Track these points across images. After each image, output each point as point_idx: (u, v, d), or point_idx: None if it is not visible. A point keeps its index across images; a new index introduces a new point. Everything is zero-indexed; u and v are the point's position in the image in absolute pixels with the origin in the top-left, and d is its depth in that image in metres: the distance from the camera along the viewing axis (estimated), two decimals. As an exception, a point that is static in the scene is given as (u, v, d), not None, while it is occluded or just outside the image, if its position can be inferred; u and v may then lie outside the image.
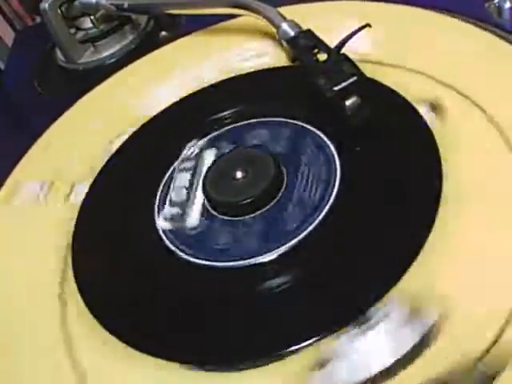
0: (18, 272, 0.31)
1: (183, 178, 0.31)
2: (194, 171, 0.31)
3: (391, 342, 0.22)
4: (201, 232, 0.28)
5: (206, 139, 0.33)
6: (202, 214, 0.29)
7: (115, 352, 0.25)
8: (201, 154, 0.32)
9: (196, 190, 0.30)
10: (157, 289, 0.27)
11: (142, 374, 0.24)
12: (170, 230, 0.29)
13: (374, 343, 0.22)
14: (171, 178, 0.32)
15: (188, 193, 0.30)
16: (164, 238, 0.29)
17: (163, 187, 0.32)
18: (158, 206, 0.31)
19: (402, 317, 0.22)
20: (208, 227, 0.28)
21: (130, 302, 0.27)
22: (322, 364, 0.22)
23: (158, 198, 0.31)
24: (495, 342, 0.21)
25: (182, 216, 0.29)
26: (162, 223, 0.30)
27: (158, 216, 0.30)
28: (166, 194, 0.31)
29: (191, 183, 0.31)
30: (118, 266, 0.29)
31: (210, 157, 0.32)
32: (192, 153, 0.32)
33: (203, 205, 0.30)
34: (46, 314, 0.28)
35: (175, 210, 0.30)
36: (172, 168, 0.32)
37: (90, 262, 0.30)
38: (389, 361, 0.21)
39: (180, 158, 0.33)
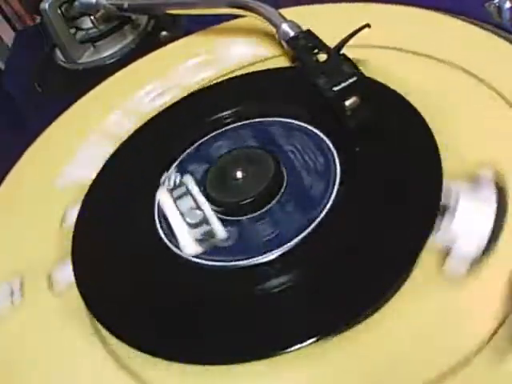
0: (17, 271, 0.31)
1: (186, 202, 0.30)
2: (190, 193, 0.31)
3: (479, 208, 0.24)
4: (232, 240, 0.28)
5: (173, 168, 0.33)
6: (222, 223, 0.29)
7: (114, 352, 0.25)
8: (182, 181, 0.32)
9: (203, 207, 0.30)
10: (157, 289, 0.27)
11: (141, 374, 0.24)
12: (205, 251, 0.28)
13: (468, 216, 0.24)
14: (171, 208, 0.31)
15: (201, 210, 0.30)
16: (163, 236, 0.29)
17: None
18: (158, 207, 0.31)
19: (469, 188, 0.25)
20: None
21: (129, 302, 0.27)
22: (445, 255, 0.23)
23: (157, 200, 0.31)
24: None
25: (211, 232, 0.28)
26: (194, 248, 0.28)
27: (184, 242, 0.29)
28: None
29: (196, 203, 0.30)
30: (118, 266, 0.29)
31: (190, 181, 0.31)
32: (175, 182, 0.32)
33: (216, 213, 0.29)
34: (44, 315, 0.28)
35: (203, 229, 0.29)
36: (157, 202, 0.31)
37: (90, 262, 0.30)
38: (490, 222, 0.23)
39: (164, 191, 0.31)
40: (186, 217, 0.29)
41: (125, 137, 0.36)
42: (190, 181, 0.31)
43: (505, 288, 0.21)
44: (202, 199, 0.30)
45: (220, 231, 0.28)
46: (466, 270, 0.23)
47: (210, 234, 0.28)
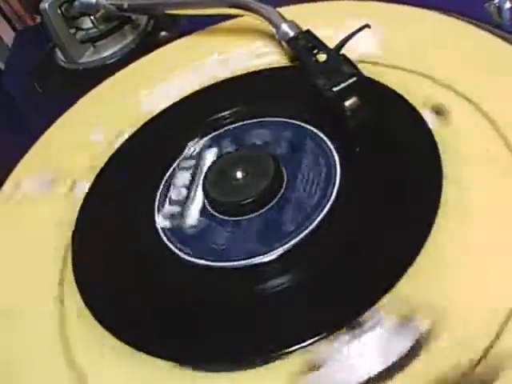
0: (17, 272, 0.31)
1: (183, 177, 0.31)
2: (195, 170, 0.31)
3: (383, 348, 0.22)
4: (200, 231, 0.28)
5: (207, 138, 0.33)
6: (202, 214, 0.29)
7: (114, 352, 0.25)
8: (202, 152, 0.32)
9: (196, 189, 0.30)
10: (157, 289, 0.27)
11: (141, 374, 0.24)
12: (168, 228, 0.29)
13: (366, 348, 0.22)
14: (172, 176, 0.32)
15: (188, 192, 0.30)
16: (163, 236, 0.29)
17: (163, 186, 0.32)
18: (158, 205, 0.31)
19: (394, 323, 0.22)
20: (207, 226, 0.28)
21: (130, 302, 0.27)
22: (314, 367, 0.22)
23: (158, 197, 0.31)
24: (488, 349, 0.20)
25: (182, 214, 0.29)
26: (161, 221, 0.30)
27: (158, 215, 0.30)
28: (167, 193, 0.31)
29: (191, 182, 0.31)
30: (118, 266, 0.29)
31: (210, 156, 0.32)
32: (193, 151, 0.32)
33: (203, 204, 0.30)
34: (44, 315, 0.28)
35: (175, 209, 0.30)
36: (173, 167, 0.32)
37: (90, 262, 0.30)
38: (379, 367, 0.21)
39: (181, 157, 0.33)
40: (171, 190, 0.30)
41: (125, 136, 0.36)
42: (208, 157, 0.32)
43: None
44: (199, 181, 0.30)
45: (190, 217, 0.29)
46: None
47: (180, 216, 0.29)
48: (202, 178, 0.31)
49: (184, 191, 0.30)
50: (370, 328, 0.22)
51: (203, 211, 0.29)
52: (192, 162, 0.32)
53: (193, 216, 0.29)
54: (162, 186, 0.32)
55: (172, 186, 0.31)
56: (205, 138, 0.33)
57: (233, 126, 0.34)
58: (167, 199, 0.31)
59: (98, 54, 0.48)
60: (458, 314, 0.22)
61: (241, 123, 0.34)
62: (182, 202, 0.30)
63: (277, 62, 0.37)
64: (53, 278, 0.30)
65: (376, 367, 0.21)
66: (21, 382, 0.26)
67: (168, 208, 0.30)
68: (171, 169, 0.32)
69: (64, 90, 0.47)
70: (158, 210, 0.30)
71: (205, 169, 0.31)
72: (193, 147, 0.33)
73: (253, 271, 0.26)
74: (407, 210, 0.26)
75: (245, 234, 0.28)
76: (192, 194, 0.30)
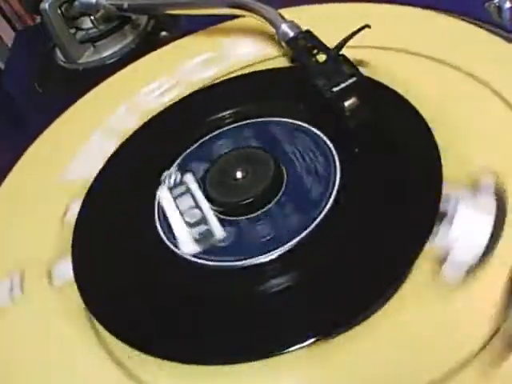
0: (17, 272, 0.31)
1: (186, 201, 0.30)
2: (190, 192, 0.31)
3: (477, 215, 0.24)
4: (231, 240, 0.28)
5: (174, 167, 0.33)
6: (221, 223, 0.29)
7: (114, 352, 0.25)
8: (182, 179, 0.32)
9: (203, 206, 0.30)
10: (157, 289, 0.27)
11: (141, 374, 0.24)
12: (203, 251, 0.28)
13: (465, 224, 0.24)
14: (163, 208, 0.31)
15: (200, 210, 0.30)
16: (163, 236, 0.29)
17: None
18: (158, 205, 0.31)
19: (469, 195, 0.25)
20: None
21: (129, 302, 0.27)
22: (441, 262, 0.23)
23: (157, 197, 0.31)
24: None
25: (209, 232, 0.28)
26: (189, 248, 0.28)
27: (158, 214, 0.30)
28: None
29: (195, 201, 0.30)
30: (118, 266, 0.29)
31: (190, 179, 0.31)
32: (175, 180, 0.32)
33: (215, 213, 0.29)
34: (44, 315, 0.28)
35: (201, 229, 0.29)
36: (157, 200, 0.31)
37: (90, 262, 0.30)
38: (488, 229, 0.23)
39: (164, 190, 0.32)
40: (184, 216, 0.30)
41: (125, 136, 0.36)
42: (190, 179, 0.31)
43: (500, 295, 0.21)
44: (201, 198, 0.30)
45: (218, 231, 0.28)
46: (462, 277, 0.23)
47: (207, 234, 0.28)
48: (201, 194, 0.30)
49: (197, 211, 0.30)
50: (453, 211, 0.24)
51: (221, 220, 0.29)
52: (183, 188, 0.31)
53: (218, 229, 0.28)
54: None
55: (181, 213, 0.30)
56: (173, 167, 0.33)
57: (232, 125, 0.34)
58: (184, 225, 0.29)
59: (98, 54, 0.48)
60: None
61: (240, 123, 0.34)
62: (203, 220, 0.29)
63: (277, 62, 0.37)
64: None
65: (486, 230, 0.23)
66: (19, 382, 0.26)
67: (192, 231, 0.29)
68: (172, 168, 0.32)
69: (64, 90, 0.47)
70: (158, 211, 0.30)
71: (196, 188, 0.31)
72: (170, 178, 0.32)
73: (253, 271, 0.26)
74: (407, 210, 0.26)
75: (245, 233, 0.28)
76: (204, 211, 0.29)
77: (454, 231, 0.24)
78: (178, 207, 0.30)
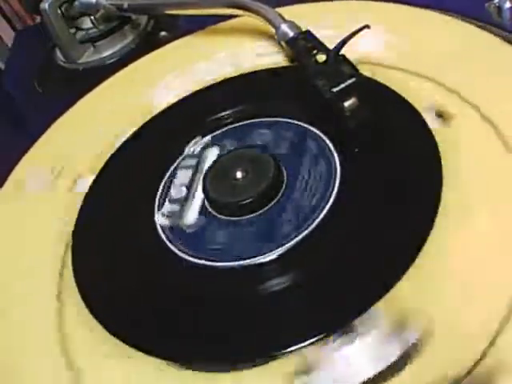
0: (16, 271, 0.31)
1: (184, 176, 0.31)
2: (196, 169, 0.32)
3: (375, 353, 0.22)
4: (198, 230, 0.28)
5: (209, 137, 0.33)
6: (201, 213, 0.29)
7: (114, 352, 0.25)
8: (203, 151, 0.33)
9: (196, 188, 0.30)
10: (156, 289, 0.27)
11: (141, 374, 0.24)
12: (167, 226, 0.29)
13: (359, 353, 0.22)
14: (172, 175, 0.32)
15: (188, 191, 0.30)
16: (163, 236, 0.29)
17: (164, 186, 0.32)
18: (158, 205, 0.31)
19: (387, 329, 0.22)
20: (207, 226, 0.29)
21: (129, 302, 0.27)
22: (305, 371, 0.22)
23: (158, 197, 0.31)
24: (479, 360, 0.20)
25: (181, 213, 0.29)
26: (160, 219, 0.30)
27: (158, 213, 0.30)
28: (167, 193, 0.31)
29: (191, 181, 0.31)
30: (118, 266, 0.29)
31: (212, 155, 0.32)
32: (195, 150, 0.32)
33: (203, 203, 0.30)
34: (43, 315, 0.28)
35: (174, 207, 0.30)
36: (173, 166, 0.32)
37: (90, 262, 0.30)
38: (371, 372, 0.21)
39: (183, 155, 0.33)
40: (172, 189, 0.30)
41: (125, 136, 0.36)
42: (210, 155, 0.32)
43: None
44: (199, 180, 0.30)
45: (189, 216, 0.29)
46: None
47: (179, 215, 0.29)
48: (201, 177, 0.31)
49: (184, 190, 0.30)
50: (363, 333, 0.22)
51: (202, 210, 0.29)
52: (193, 161, 0.32)
53: (191, 215, 0.29)
54: (162, 186, 0.32)
55: (172, 185, 0.31)
56: (206, 137, 0.33)
57: (233, 125, 0.34)
58: (167, 197, 0.31)
59: (98, 54, 0.48)
60: (449, 323, 0.22)
61: (241, 123, 0.34)
62: (182, 200, 0.30)
63: (276, 62, 0.37)
64: (52, 277, 0.30)
65: (368, 372, 0.21)
66: (20, 382, 0.26)
67: (168, 206, 0.30)
68: (172, 168, 0.32)
69: (64, 90, 0.47)
70: (159, 210, 0.30)
71: (205, 168, 0.31)
72: (194, 146, 0.33)
73: (253, 271, 0.26)
74: (407, 210, 0.26)
75: (245, 234, 0.28)
76: (192, 193, 0.30)
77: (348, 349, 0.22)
78: (174, 177, 0.31)
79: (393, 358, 0.21)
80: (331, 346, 0.22)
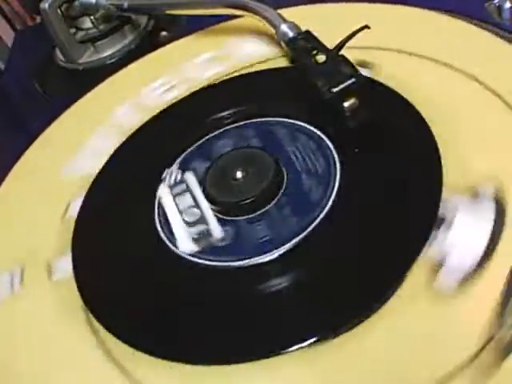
0: (17, 271, 0.31)
1: (185, 200, 0.30)
2: (190, 191, 0.31)
3: (476, 222, 0.24)
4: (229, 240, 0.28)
5: (175, 165, 0.33)
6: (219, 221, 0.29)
7: (113, 352, 0.25)
8: (182, 178, 0.32)
9: (202, 206, 0.30)
10: (157, 289, 0.27)
11: (140, 374, 0.24)
12: (199, 251, 0.28)
13: (464, 230, 0.24)
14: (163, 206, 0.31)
15: (199, 209, 0.30)
16: (163, 236, 0.29)
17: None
18: (158, 204, 0.31)
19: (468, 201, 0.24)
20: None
21: (129, 302, 0.27)
22: (437, 267, 0.23)
23: (157, 196, 0.31)
24: None
25: (208, 230, 0.29)
26: (187, 247, 0.28)
27: (158, 215, 0.30)
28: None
29: (195, 201, 0.30)
30: (118, 266, 0.29)
31: (191, 178, 0.31)
32: (175, 178, 0.32)
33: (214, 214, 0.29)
34: (43, 315, 0.28)
35: (199, 228, 0.29)
36: (158, 198, 0.31)
37: (90, 262, 0.30)
38: (486, 237, 0.23)
39: (165, 188, 0.32)
40: (183, 214, 0.30)
41: (126, 136, 0.36)
42: (190, 178, 0.31)
43: (495, 303, 0.21)
44: (201, 198, 0.30)
45: (216, 231, 0.28)
46: (457, 284, 0.23)
47: (206, 233, 0.28)
48: (200, 194, 0.30)
49: (196, 210, 0.30)
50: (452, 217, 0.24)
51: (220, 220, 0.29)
52: (183, 187, 0.31)
53: (217, 229, 0.28)
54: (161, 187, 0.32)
55: (180, 212, 0.30)
56: (174, 165, 0.33)
57: (232, 125, 0.34)
58: (183, 224, 0.29)
59: (97, 54, 0.48)
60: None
61: (240, 123, 0.34)
62: (202, 219, 0.29)
63: (276, 62, 0.37)
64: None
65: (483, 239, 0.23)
66: (20, 382, 0.26)
67: (190, 230, 0.29)
68: (157, 200, 0.32)
69: (64, 90, 0.47)
70: (158, 210, 0.30)
71: (196, 187, 0.31)
72: (170, 176, 0.32)
73: (253, 271, 0.26)
74: (407, 210, 0.26)
75: (245, 233, 0.28)
76: (202, 209, 0.30)
77: (452, 237, 0.24)
78: (177, 206, 0.30)
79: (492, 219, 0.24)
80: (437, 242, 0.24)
